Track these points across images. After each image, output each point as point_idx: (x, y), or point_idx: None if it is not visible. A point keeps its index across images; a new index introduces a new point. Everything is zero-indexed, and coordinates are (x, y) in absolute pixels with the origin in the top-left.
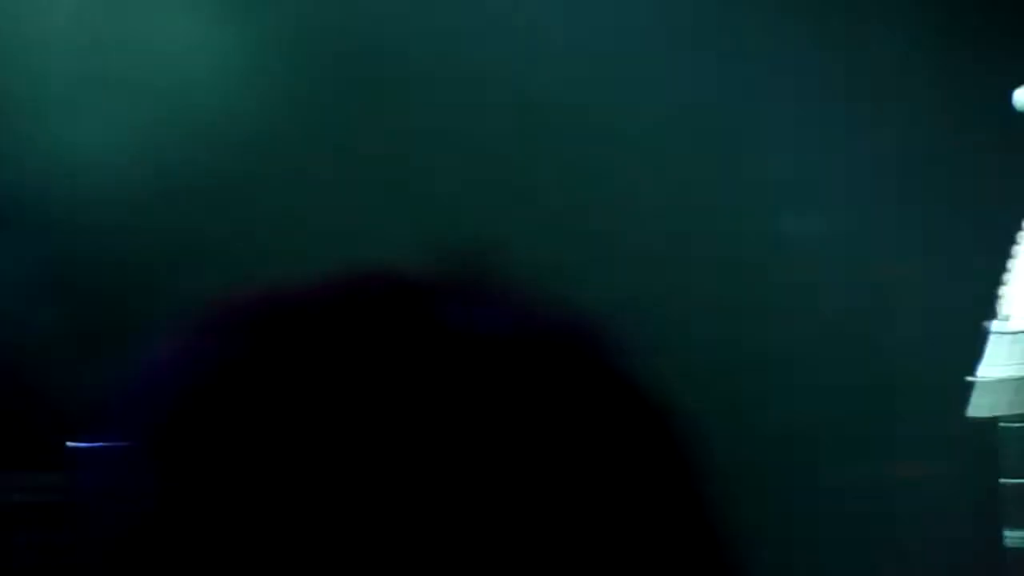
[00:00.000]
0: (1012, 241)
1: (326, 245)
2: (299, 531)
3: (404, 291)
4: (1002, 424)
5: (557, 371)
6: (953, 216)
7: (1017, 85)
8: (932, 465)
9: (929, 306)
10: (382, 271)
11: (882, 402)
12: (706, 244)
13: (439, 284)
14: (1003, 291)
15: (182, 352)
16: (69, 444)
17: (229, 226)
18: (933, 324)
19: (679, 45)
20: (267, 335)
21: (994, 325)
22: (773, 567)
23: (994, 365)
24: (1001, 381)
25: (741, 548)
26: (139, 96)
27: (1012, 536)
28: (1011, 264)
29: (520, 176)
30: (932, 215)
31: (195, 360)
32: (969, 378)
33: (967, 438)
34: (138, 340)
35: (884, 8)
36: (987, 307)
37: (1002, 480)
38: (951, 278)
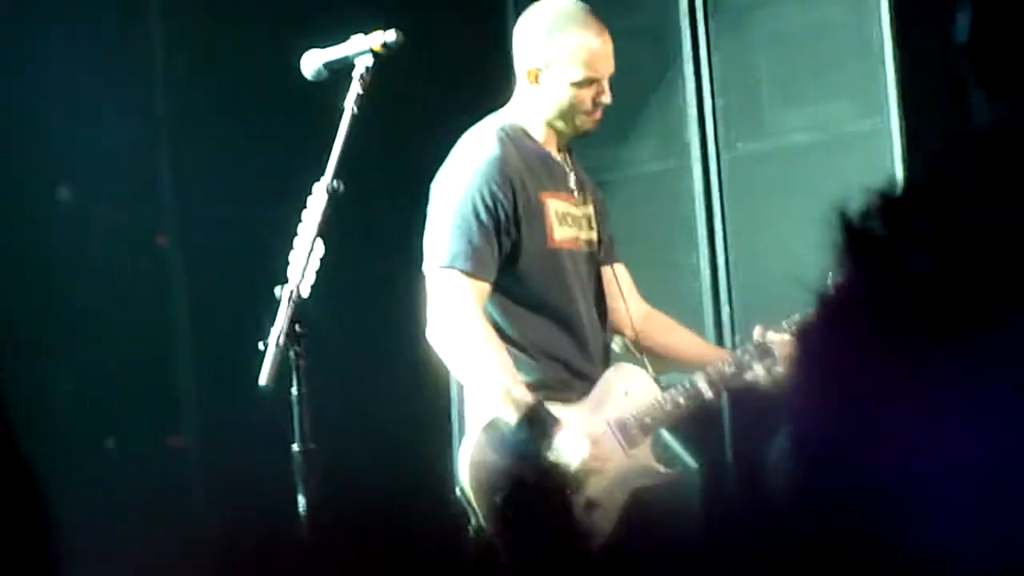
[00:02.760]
0: (302, 208)
1: None
2: None
3: None
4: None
5: None
6: (243, 183)
7: (301, 53)
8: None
9: (220, 276)
10: None
11: (161, 375)
12: None
13: None
14: (292, 256)
15: None
16: None
17: None
18: (225, 295)
19: None
20: None
21: (282, 290)
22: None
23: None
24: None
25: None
26: None
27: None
28: (300, 230)
29: None
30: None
31: None
32: (262, 345)
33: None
34: None
35: None
36: (281, 274)
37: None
38: (242, 246)
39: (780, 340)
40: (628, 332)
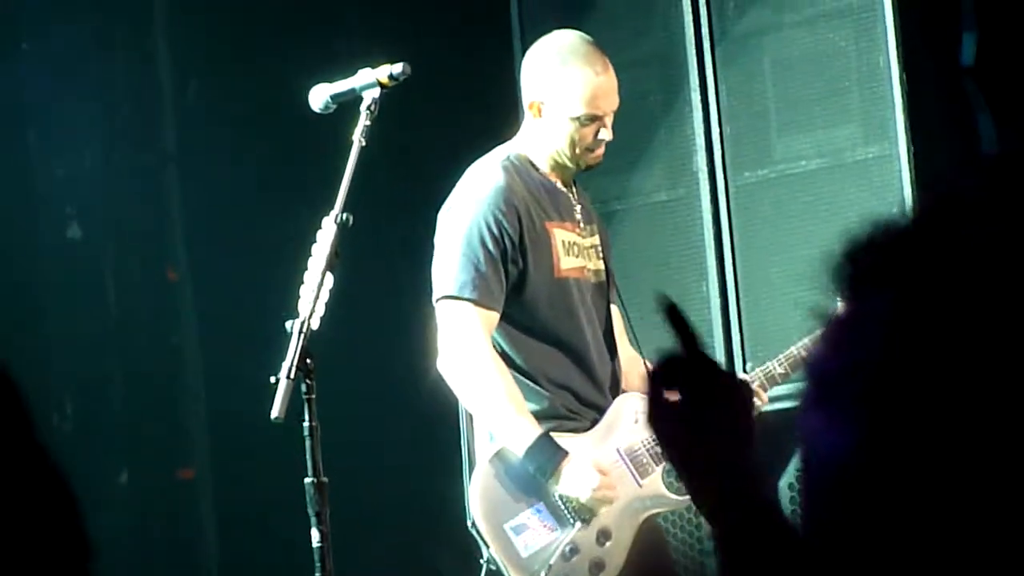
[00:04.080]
0: (312, 241)
1: None
2: None
3: None
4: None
5: None
6: (256, 216)
7: (309, 87)
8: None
9: (232, 307)
10: None
11: (172, 408)
12: None
13: None
14: (302, 291)
15: None
16: None
17: None
18: (234, 325)
19: None
20: None
21: (293, 325)
22: None
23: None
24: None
25: None
26: None
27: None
28: (310, 264)
29: None
30: (233, 215)
31: None
32: (274, 378)
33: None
34: None
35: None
36: (291, 307)
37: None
38: (254, 279)
39: (757, 375)
40: None
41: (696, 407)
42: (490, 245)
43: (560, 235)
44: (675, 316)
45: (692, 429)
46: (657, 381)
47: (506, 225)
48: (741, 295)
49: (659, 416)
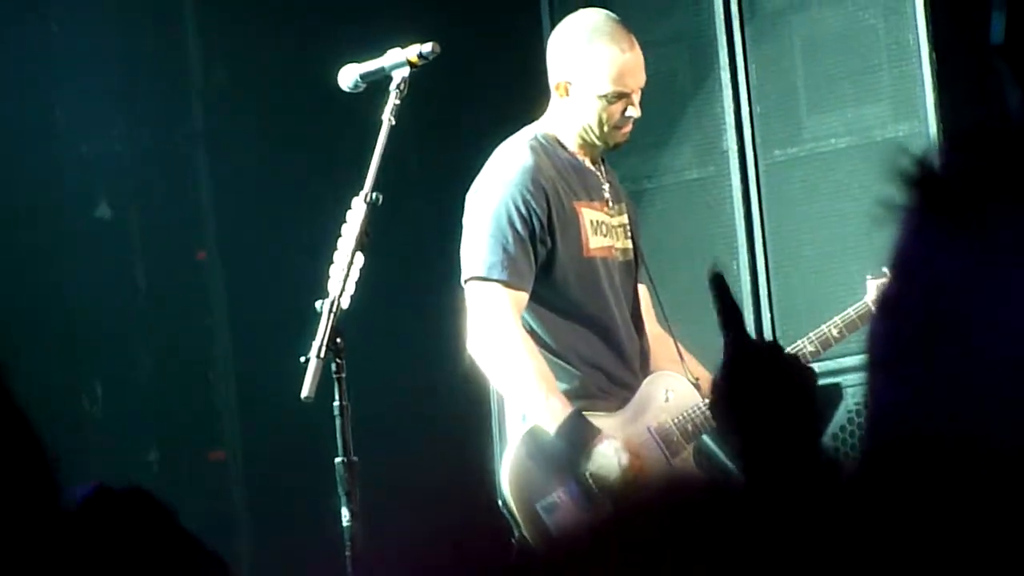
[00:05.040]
0: (342, 221)
1: None
2: None
3: None
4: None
5: None
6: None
7: (338, 66)
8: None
9: (260, 289)
10: None
11: (202, 389)
12: None
13: None
14: (332, 271)
15: None
16: None
17: None
18: (264, 308)
19: None
20: None
21: (323, 304)
22: None
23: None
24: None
25: None
26: None
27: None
28: (340, 244)
29: None
30: (255, 199)
31: None
32: (304, 358)
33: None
34: None
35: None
36: (320, 287)
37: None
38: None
39: (811, 341)
40: None
41: (765, 397)
42: (518, 225)
43: (588, 214)
44: (720, 288)
45: (760, 418)
46: (728, 372)
47: (534, 205)
48: (771, 273)
49: (725, 409)
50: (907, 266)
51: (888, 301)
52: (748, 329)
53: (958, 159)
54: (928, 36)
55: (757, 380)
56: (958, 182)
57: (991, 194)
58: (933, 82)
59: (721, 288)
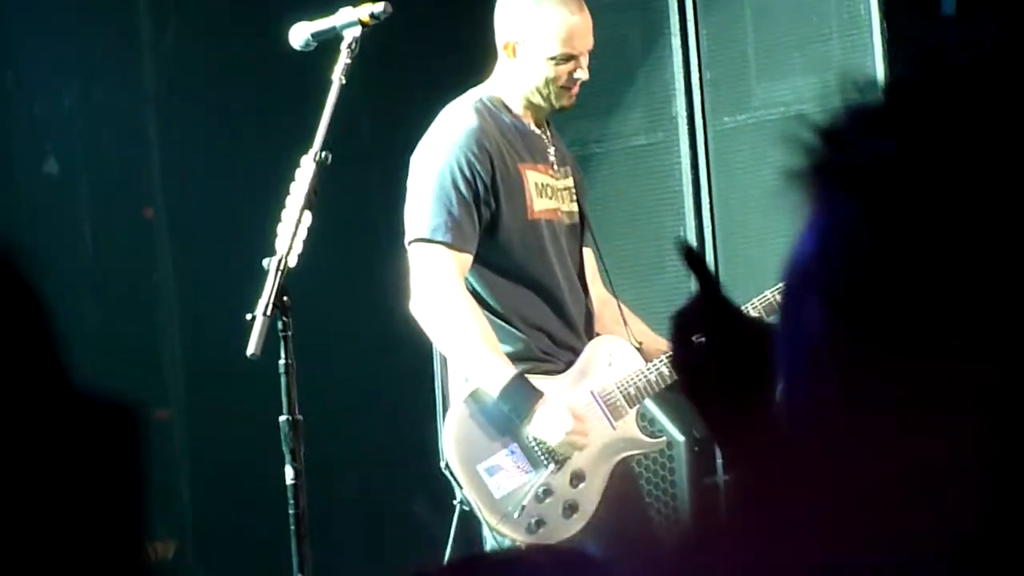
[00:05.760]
0: (290, 179)
1: None
2: None
3: None
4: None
5: None
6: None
7: (289, 25)
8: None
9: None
10: None
11: (147, 347)
12: None
13: None
14: (280, 229)
15: None
16: None
17: None
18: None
19: None
20: None
21: (270, 262)
22: None
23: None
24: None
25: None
26: None
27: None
28: (288, 202)
29: None
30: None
31: None
32: (250, 315)
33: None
34: None
35: None
36: (268, 245)
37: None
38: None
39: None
40: None
41: (719, 352)
42: (463, 187)
43: (533, 177)
44: (694, 260)
45: (715, 374)
46: (681, 325)
47: (478, 167)
48: (718, 239)
49: (682, 361)
50: (805, 234)
51: (790, 267)
52: (728, 297)
53: (858, 128)
54: (880, 6)
55: (741, 349)
56: (854, 153)
57: (892, 170)
58: (884, 52)
59: (694, 261)
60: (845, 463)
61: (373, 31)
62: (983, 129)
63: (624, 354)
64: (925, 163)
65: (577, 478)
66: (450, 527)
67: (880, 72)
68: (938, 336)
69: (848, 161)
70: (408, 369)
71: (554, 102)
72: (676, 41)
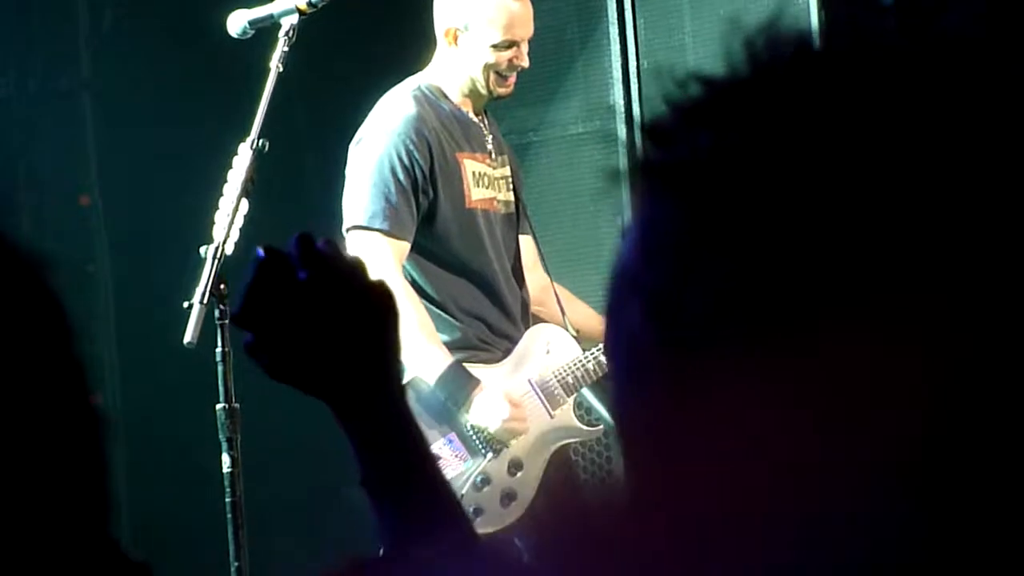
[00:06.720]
0: (228, 167)
1: None
2: None
3: None
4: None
5: None
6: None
7: (227, 12)
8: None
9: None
10: None
11: (82, 334)
12: None
13: None
14: (217, 216)
15: None
16: None
17: None
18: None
19: None
20: None
21: (207, 250)
22: None
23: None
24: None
25: None
26: None
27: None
28: (225, 190)
29: None
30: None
31: None
32: (187, 303)
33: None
34: None
35: None
36: (204, 233)
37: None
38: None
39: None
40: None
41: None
42: (401, 175)
43: (471, 166)
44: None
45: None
46: (268, 266)
47: (417, 155)
48: None
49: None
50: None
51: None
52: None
53: (678, 123)
54: None
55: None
56: (673, 149)
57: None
58: (822, 38)
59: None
60: (680, 462)
61: (310, 19)
62: (800, 121)
63: (562, 342)
64: (739, 156)
65: (515, 466)
66: None
67: None
68: (757, 332)
69: (666, 158)
70: None
71: (493, 90)
72: (614, 30)
